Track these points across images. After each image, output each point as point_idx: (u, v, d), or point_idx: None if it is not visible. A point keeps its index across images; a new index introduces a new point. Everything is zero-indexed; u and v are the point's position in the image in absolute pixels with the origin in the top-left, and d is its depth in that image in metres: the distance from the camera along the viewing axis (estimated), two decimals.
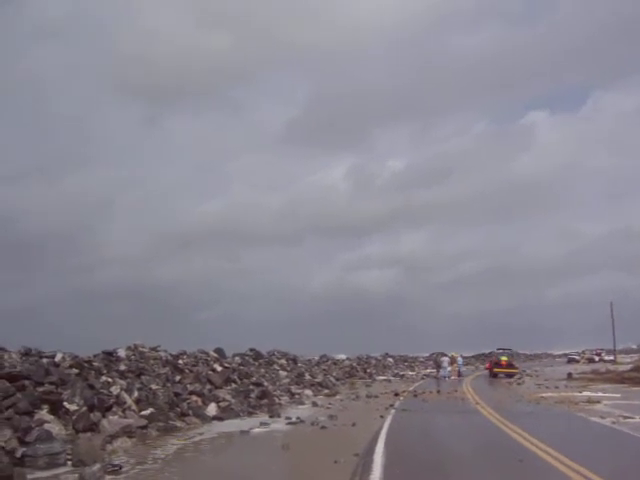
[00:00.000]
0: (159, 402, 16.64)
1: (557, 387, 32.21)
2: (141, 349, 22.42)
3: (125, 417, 14.54)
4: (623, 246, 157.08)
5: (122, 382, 16.74)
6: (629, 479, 9.15)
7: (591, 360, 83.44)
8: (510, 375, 45.15)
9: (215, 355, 27.21)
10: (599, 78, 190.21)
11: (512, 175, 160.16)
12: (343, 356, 57.56)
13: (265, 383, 25.81)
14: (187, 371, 21.80)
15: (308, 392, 28.38)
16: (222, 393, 20.60)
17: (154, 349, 23.22)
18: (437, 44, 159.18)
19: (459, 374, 49.01)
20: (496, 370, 47.22)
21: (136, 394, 16.36)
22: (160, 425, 15.23)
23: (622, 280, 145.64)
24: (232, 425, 16.64)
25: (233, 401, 20.08)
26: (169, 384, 19.19)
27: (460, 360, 53.76)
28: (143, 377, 18.46)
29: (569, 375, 43.29)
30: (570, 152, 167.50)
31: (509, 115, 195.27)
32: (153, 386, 17.97)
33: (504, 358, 48.29)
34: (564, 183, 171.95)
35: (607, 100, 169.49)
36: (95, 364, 17.53)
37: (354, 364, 53.47)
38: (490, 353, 59.32)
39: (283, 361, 36.67)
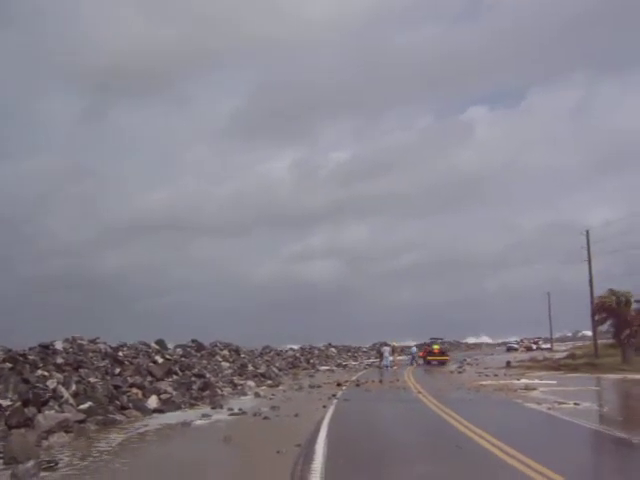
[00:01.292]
0: (98, 395, 16.29)
1: (496, 375, 32.98)
2: (79, 341, 21.96)
3: (62, 411, 14.17)
4: (558, 239, 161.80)
5: (59, 376, 16.35)
6: (561, 460, 9.41)
7: (529, 348, 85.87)
8: (442, 362, 49.17)
9: (156, 347, 26.88)
10: (537, 76, 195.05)
11: (453, 169, 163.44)
12: (295, 346, 57.91)
13: (207, 374, 25.62)
14: (127, 363, 21.44)
15: (251, 383, 28.30)
16: (163, 385, 20.33)
17: (93, 341, 22.76)
18: (381, 40, 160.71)
19: (412, 362, 51.56)
20: (429, 358, 51.16)
21: (74, 388, 15.99)
22: (99, 419, 14.91)
23: (558, 272, 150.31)
24: (173, 417, 16.43)
25: (174, 393, 19.83)
26: (108, 377, 18.84)
27: (414, 349, 55.93)
28: (81, 370, 18.07)
29: (508, 363, 44.43)
30: (508, 148, 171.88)
31: (450, 111, 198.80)
32: (92, 379, 17.60)
33: (436, 346, 52.89)
34: (502, 178, 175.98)
35: (544, 98, 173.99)
36: (30, 357, 17.07)
37: (297, 354, 53.64)
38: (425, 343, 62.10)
39: (226, 352, 36.48)
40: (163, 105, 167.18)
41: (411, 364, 50.53)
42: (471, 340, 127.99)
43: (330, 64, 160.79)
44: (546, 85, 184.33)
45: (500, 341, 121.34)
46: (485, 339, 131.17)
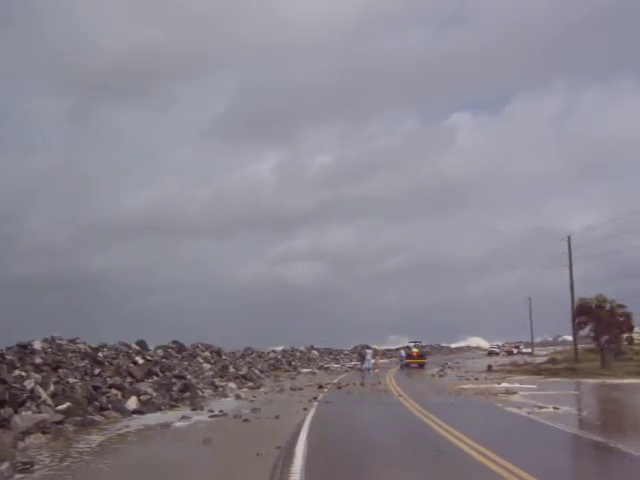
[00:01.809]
0: (77, 396, 16.12)
1: (477, 379, 33.13)
2: (59, 341, 21.74)
3: (39, 412, 14.00)
4: (540, 245, 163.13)
5: (37, 376, 16.17)
6: (539, 464, 9.45)
7: (510, 353, 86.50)
8: (421, 365, 50.38)
9: (137, 348, 26.67)
10: (521, 83, 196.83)
11: (436, 174, 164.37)
12: (277, 348, 57.82)
13: (188, 376, 25.47)
14: (107, 364, 21.26)
15: (232, 385, 28.17)
16: (143, 386, 20.18)
17: (72, 341, 22.55)
18: (367, 45, 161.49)
19: (402, 362, 51.94)
20: (408, 361, 52.01)
21: (52, 388, 15.81)
22: (78, 420, 14.75)
23: (539, 277, 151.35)
24: (153, 419, 16.31)
25: (155, 394, 19.69)
26: (88, 377, 18.66)
27: (402, 353, 55.90)
28: (60, 370, 17.90)
29: (489, 367, 44.66)
30: (491, 153, 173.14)
31: (434, 116, 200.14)
32: (71, 379, 17.42)
33: (415, 350, 54.46)
34: (485, 183, 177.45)
35: (527, 104, 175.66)
36: (8, 357, 16.86)
37: (279, 357, 53.53)
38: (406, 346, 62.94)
39: (207, 353, 36.32)
40: (148, 106, 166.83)
41: (401, 367, 50.45)
42: (461, 343, 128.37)
43: (316, 67, 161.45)
44: (529, 92, 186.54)
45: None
46: (476, 341, 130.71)
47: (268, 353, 53.82)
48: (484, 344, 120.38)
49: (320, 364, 56.70)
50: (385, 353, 78.28)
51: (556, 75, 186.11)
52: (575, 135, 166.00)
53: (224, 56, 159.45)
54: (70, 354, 20.72)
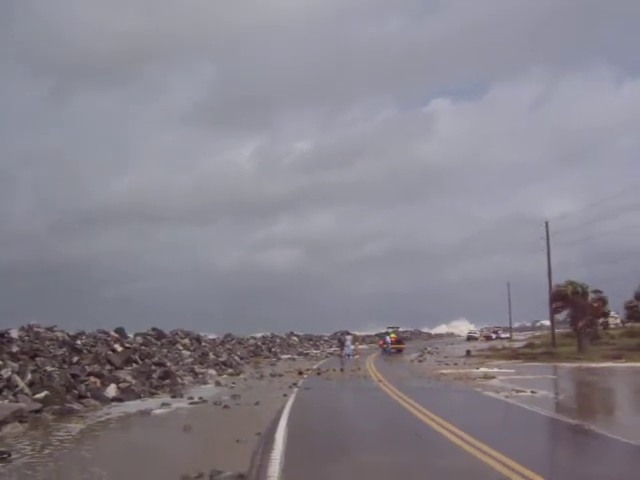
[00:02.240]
0: (55, 384, 16.02)
1: (456, 364, 33.42)
2: (36, 329, 21.54)
3: (17, 401, 13.92)
4: (518, 231, 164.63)
5: (14, 364, 16.03)
6: (516, 446, 9.57)
7: (489, 338, 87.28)
8: (399, 350, 51.39)
9: (116, 335, 26.51)
10: (499, 71, 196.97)
11: (415, 160, 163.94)
12: (257, 335, 57.88)
13: (168, 363, 25.42)
14: (86, 352, 21.14)
15: (212, 372, 28.18)
16: (122, 374, 20.10)
17: (50, 329, 22.36)
18: (345, 32, 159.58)
19: (388, 348, 51.92)
20: (385, 346, 53.19)
21: (29, 377, 15.71)
22: (56, 408, 14.67)
23: (518, 263, 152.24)
24: (132, 406, 16.28)
25: (134, 382, 19.62)
26: (66, 365, 18.54)
27: (388, 339, 55.84)
28: (38, 359, 17.75)
29: (468, 352, 45.10)
30: (470, 140, 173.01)
31: (413, 102, 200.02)
32: (49, 368, 17.29)
33: (393, 335, 55.68)
34: (464, 170, 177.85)
35: (506, 92, 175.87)
36: None
37: (259, 343, 53.57)
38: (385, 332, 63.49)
39: (186, 340, 36.23)
40: (127, 92, 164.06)
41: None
42: (442, 329, 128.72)
43: (295, 54, 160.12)
44: (507, 79, 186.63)
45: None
46: (459, 325, 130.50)
47: (248, 340, 53.82)
48: (465, 328, 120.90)
49: (300, 350, 56.87)
50: (365, 339, 78.65)
51: (534, 63, 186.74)
52: (552, 122, 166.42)
53: (203, 42, 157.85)
54: (48, 342, 20.55)
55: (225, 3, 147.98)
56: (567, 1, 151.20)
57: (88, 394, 16.92)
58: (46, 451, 10.34)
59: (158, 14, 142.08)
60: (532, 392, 18.01)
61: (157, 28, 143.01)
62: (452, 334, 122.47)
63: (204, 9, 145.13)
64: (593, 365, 30.27)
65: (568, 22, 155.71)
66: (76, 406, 15.61)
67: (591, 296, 40.42)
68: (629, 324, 50.34)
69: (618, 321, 59.35)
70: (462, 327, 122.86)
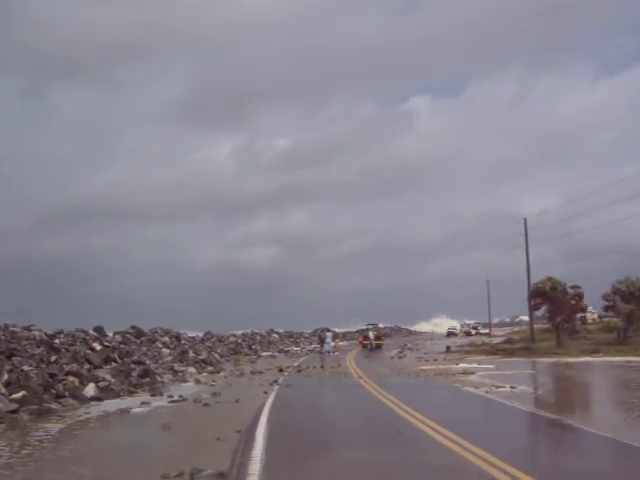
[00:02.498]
0: (32, 384, 15.81)
1: (436, 360, 33.56)
2: (12, 328, 21.26)
3: None
4: (497, 228, 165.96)
5: None
6: (495, 441, 9.63)
7: (468, 333, 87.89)
8: (378, 346, 52.59)
9: (94, 334, 26.28)
10: (479, 67, 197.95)
11: (395, 157, 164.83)
12: (237, 332, 57.70)
13: (147, 361, 25.25)
14: (64, 351, 20.92)
15: (192, 370, 28.03)
16: (102, 373, 19.92)
17: (27, 328, 22.10)
18: (323, 29, 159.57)
19: (371, 346, 52.28)
20: (365, 342, 54.66)
21: (6, 377, 15.50)
22: (33, 409, 14.48)
23: (496, 259, 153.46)
24: (112, 405, 16.14)
25: (113, 380, 19.45)
26: (44, 365, 18.31)
27: (371, 335, 56.18)
28: (14, 358, 17.51)
29: (448, 348, 45.29)
30: (449, 137, 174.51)
31: (393, 99, 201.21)
32: (26, 367, 17.07)
33: (373, 332, 56.50)
34: (443, 166, 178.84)
35: (484, 89, 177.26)
36: None
37: (239, 340, 53.41)
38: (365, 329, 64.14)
39: (166, 339, 36.02)
40: (106, 89, 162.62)
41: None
42: (424, 326, 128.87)
43: (273, 51, 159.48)
44: (487, 77, 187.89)
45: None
46: (440, 322, 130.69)
47: (228, 337, 53.63)
48: (446, 325, 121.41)
49: (280, 347, 56.79)
50: (345, 336, 78.69)
51: (512, 60, 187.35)
52: (531, 120, 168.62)
53: (180, 39, 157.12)
54: (25, 341, 20.30)
55: (201, 4, 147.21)
56: (545, 0, 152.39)
57: (66, 394, 16.73)
58: (24, 451, 10.21)
59: (135, 11, 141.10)
60: (511, 387, 18.13)
61: (135, 25, 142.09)
62: (432, 332, 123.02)
63: (181, 7, 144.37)
64: (571, 360, 30.58)
65: (545, 20, 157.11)
66: (54, 406, 15.44)
67: (569, 292, 40.81)
68: (606, 319, 50.96)
69: (595, 316, 60.11)
70: (443, 324, 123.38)
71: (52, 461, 9.58)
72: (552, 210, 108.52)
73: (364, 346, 53.58)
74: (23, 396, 14.79)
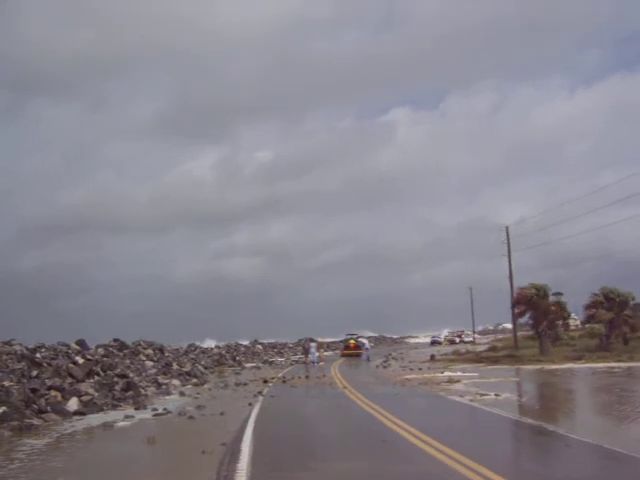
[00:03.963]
0: (13, 400, 15.61)
1: (421, 369, 33.63)
2: None
3: None
4: (478, 236, 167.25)
5: None
6: (480, 449, 9.69)
7: (453, 342, 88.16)
8: (357, 354, 54.31)
9: (77, 347, 26.06)
10: (455, 81, 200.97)
11: (375, 169, 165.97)
12: (221, 344, 57.44)
13: (130, 374, 25.02)
14: (46, 365, 20.68)
15: (176, 382, 27.84)
16: (84, 387, 19.71)
17: (8, 343, 21.87)
18: (303, 45, 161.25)
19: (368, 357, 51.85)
20: (345, 352, 56.90)
21: None
22: (14, 424, 14.27)
23: (479, 267, 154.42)
24: (95, 419, 15.96)
25: (96, 394, 19.26)
26: (25, 380, 18.08)
27: (367, 343, 57.67)
28: None
29: (432, 357, 45.34)
30: (428, 149, 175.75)
31: (372, 113, 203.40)
32: (6, 383, 16.86)
33: (352, 342, 59.17)
34: (423, 177, 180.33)
35: (462, 101, 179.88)
36: None
37: (223, 352, 53.15)
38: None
39: (149, 351, 35.76)
40: (86, 104, 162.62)
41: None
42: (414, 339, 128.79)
43: (254, 65, 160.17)
44: (464, 88, 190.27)
45: (425, 335, 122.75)
46: (410, 333, 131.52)
47: (212, 349, 53.38)
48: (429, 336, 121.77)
49: (265, 358, 56.59)
50: (329, 345, 78.59)
51: (489, 73, 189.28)
52: (509, 130, 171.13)
53: (160, 54, 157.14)
54: (5, 356, 20.06)
55: (185, 16, 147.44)
56: (518, 14, 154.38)
57: (48, 408, 16.53)
58: (13, 465, 10.06)
59: (114, 26, 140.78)
60: (496, 395, 18.23)
61: (116, 43, 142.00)
62: (416, 341, 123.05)
63: (164, 21, 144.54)
64: (554, 367, 30.79)
65: (520, 34, 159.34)
66: (36, 421, 15.24)
67: (552, 298, 41.11)
68: (588, 325, 51.36)
69: (578, 322, 60.55)
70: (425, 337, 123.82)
71: (33, 476, 9.43)
72: (530, 219, 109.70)
73: (344, 355, 55.93)
74: (3, 412, 14.60)
